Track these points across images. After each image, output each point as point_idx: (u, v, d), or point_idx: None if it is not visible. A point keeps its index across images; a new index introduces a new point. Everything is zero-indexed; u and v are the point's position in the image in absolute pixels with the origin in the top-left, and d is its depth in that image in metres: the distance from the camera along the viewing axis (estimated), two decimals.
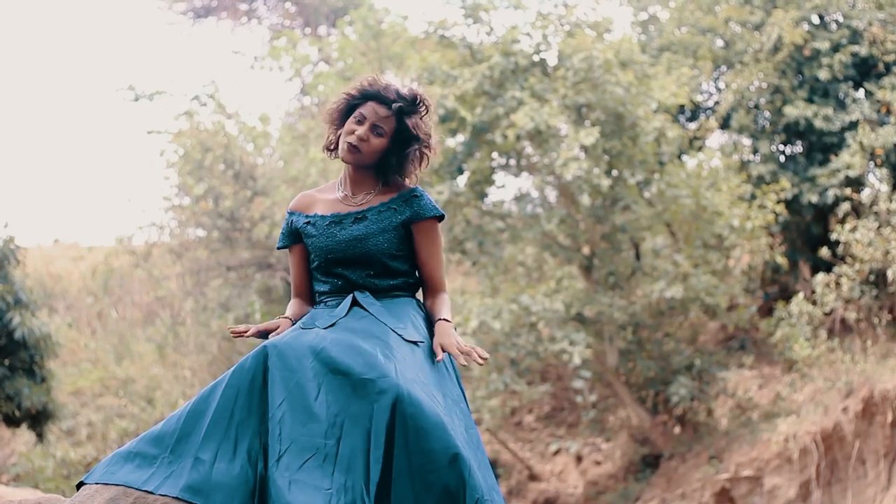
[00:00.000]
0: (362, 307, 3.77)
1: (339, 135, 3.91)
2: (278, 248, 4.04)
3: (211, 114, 19.38)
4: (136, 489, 3.44)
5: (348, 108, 3.88)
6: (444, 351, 3.71)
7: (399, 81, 3.92)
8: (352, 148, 3.82)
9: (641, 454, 15.93)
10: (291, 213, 3.96)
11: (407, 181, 3.93)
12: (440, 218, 3.90)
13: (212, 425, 3.49)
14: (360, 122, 3.83)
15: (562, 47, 14.83)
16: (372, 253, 3.81)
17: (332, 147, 3.96)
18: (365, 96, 3.85)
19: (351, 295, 3.80)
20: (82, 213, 33.97)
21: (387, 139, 3.84)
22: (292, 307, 3.97)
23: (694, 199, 14.89)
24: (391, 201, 3.87)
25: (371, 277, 3.83)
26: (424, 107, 3.87)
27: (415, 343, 3.70)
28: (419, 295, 3.98)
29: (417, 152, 3.88)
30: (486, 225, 15.64)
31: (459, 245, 15.53)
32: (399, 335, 3.68)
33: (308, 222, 3.90)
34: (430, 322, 3.87)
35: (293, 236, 3.96)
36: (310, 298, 3.98)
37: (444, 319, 3.81)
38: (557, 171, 14.33)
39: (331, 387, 3.46)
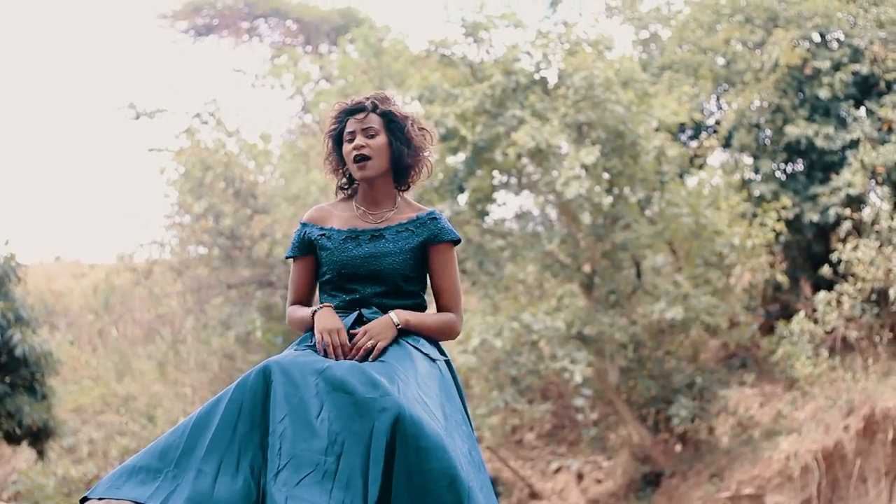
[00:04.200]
0: None
1: (344, 168, 3.95)
2: (286, 258, 3.99)
3: (212, 132, 19.40)
4: None
5: (336, 142, 3.92)
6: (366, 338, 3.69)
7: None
8: (360, 160, 3.84)
9: (642, 472, 15.90)
10: (305, 225, 3.93)
11: (420, 177, 3.94)
12: (456, 242, 3.90)
13: (215, 439, 3.48)
14: (351, 139, 3.86)
15: (562, 66, 14.87)
16: (386, 272, 3.80)
17: (345, 186, 3.99)
18: (341, 120, 3.90)
19: (357, 311, 3.79)
20: (84, 230, 34.00)
21: (384, 134, 3.86)
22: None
23: (693, 217, 14.89)
24: (409, 222, 3.86)
25: (381, 296, 3.82)
26: (388, 98, 3.91)
27: (417, 361, 3.69)
28: None
29: (416, 130, 3.89)
30: (487, 243, 15.65)
31: (460, 264, 15.53)
32: (406, 353, 3.68)
33: (323, 234, 3.88)
34: (435, 343, 3.86)
35: (304, 247, 3.92)
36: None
37: (395, 317, 3.76)
38: (558, 189, 14.34)
39: (333, 405, 3.44)
